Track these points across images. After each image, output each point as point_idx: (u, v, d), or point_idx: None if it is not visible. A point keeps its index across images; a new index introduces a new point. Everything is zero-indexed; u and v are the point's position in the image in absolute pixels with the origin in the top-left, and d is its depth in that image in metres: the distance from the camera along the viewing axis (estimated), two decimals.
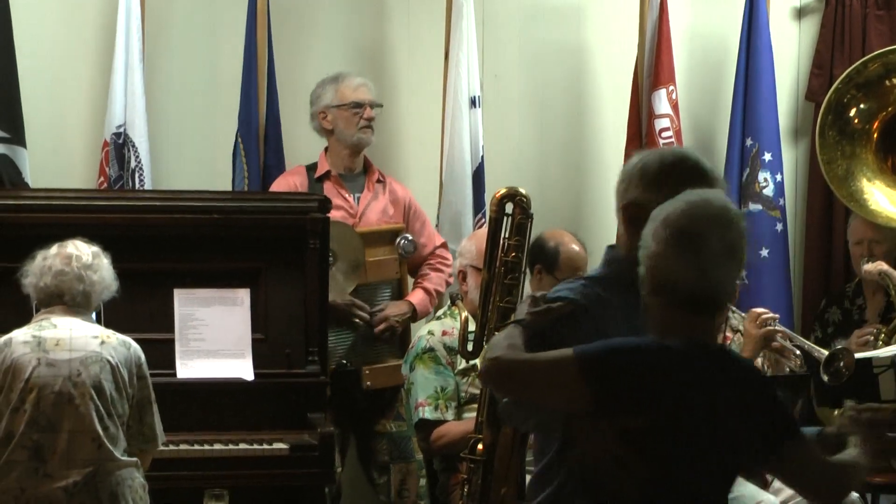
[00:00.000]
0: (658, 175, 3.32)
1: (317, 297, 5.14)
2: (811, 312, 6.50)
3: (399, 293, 5.78)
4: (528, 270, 4.55)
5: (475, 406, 4.55)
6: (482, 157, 6.15)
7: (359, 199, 5.79)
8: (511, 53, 6.61)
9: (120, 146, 5.86)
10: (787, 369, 5.40)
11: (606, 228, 6.34)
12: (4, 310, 4.81)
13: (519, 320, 3.25)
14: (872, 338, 5.83)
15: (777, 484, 5.46)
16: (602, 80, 6.70)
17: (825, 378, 5.27)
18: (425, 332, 5.19)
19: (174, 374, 4.98)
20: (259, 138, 6.02)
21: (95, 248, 4.47)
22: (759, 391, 3.17)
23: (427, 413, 5.06)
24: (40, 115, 5.97)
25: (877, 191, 6.17)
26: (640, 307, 3.20)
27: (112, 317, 4.72)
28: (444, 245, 5.91)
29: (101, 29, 6.06)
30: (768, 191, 6.48)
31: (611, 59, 6.68)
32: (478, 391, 4.79)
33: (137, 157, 5.86)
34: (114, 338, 4.39)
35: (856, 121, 6.21)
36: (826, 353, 5.31)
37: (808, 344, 5.45)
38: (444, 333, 5.16)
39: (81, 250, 4.44)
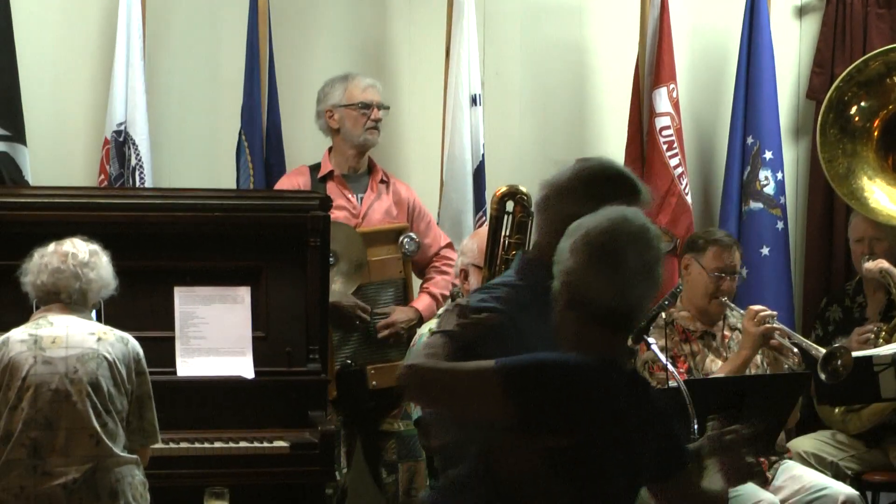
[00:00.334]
0: (599, 187, 3.28)
1: (318, 295, 5.14)
2: (812, 311, 6.50)
3: (403, 293, 5.77)
4: None
5: None
6: (483, 155, 6.15)
7: (362, 199, 5.79)
8: (512, 51, 6.61)
9: (121, 144, 5.85)
10: (786, 367, 5.40)
11: None
12: (5, 308, 4.81)
13: (446, 331, 3.17)
14: (873, 336, 5.83)
15: (777, 481, 5.47)
16: (603, 79, 6.70)
17: (823, 376, 5.26)
18: (426, 331, 5.19)
19: (175, 372, 4.98)
20: (263, 136, 6.01)
21: (93, 246, 4.47)
22: (663, 419, 3.16)
23: None
24: (41, 113, 5.97)
25: (877, 189, 6.17)
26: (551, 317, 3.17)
27: (113, 314, 4.72)
28: (449, 245, 5.88)
29: (101, 27, 6.06)
30: (769, 189, 6.48)
31: (611, 57, 6.67)
32: None
33: (138, 155, 5.86)
34: (111, 334, 4.39)
35: (857, 119, 6.21)
36: (824, 351, 5.31)
37: (805, 342, 5.45)
38: None
39: (79, 248, 4.44)
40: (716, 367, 5.47)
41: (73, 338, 4.34)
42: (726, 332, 5.59)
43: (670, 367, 4.43)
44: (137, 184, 5.83)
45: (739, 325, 5.47)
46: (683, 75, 6.56)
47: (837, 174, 6.20)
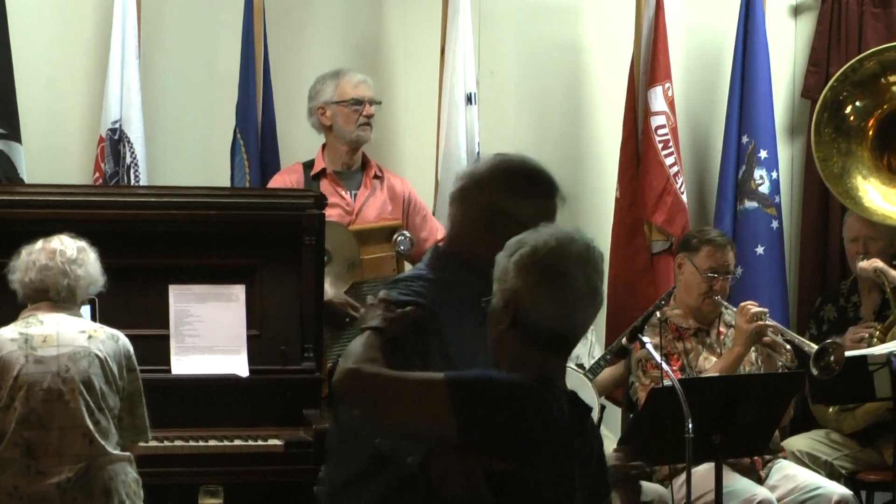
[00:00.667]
0: (522, 182, 3.23)
1: (312, 293, 5.14)
2: (806, 310, 6.50)
3: None
4: None
5: None
6: (478, 154, 6.14)
7: (356, 195, 5.78)
8: (507, 50, 6.61)
9: (115, 142, 5.85)
10: (779, 363, 5.41)
11: (603, 224, 6.35)
12: (2, 306, 4.81)
13: (375, 326, 3.07)
14: (868, 335, 5.83)
15: (771, 480, 5.47)
16: (598, 77, 6.70)
17: (815, 372, 5.27)
18: None
19: (169, 371, 4.98)
20: (258, 134, 6.01)
21: (81, 243, 4.47)
22: (597, 445, 3.10)
23: None
24: (36, 110, 5.96)
25: (872, 188, 6.18)
26: (469, 312, 3.12)
27: (107, 313, 4.72)
28: None
29: (96, 24, 6.06)
30: (764, 188, 6.48)
31: (607, 56, 6.67)
32: None
33: (133, 152, 5.86)
34: (101, 332, 4.39)
35: (851, 118, 6.22)
36: (816, 347, 5.31)
37: (798, 338, 5.46)
38: None
39: (66, 245, 4.43)
40: (709, 364, 5.48)
41: (64, 336, 4.33)
42: (721, 329, 5.60)
43: (664, 365, 4.43)
44: (132, 182, 5.83)
45: (733, 323, 5.47)
46: (679, 74, 6.56)
47: (832, 173, 6.20)
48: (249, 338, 5.08)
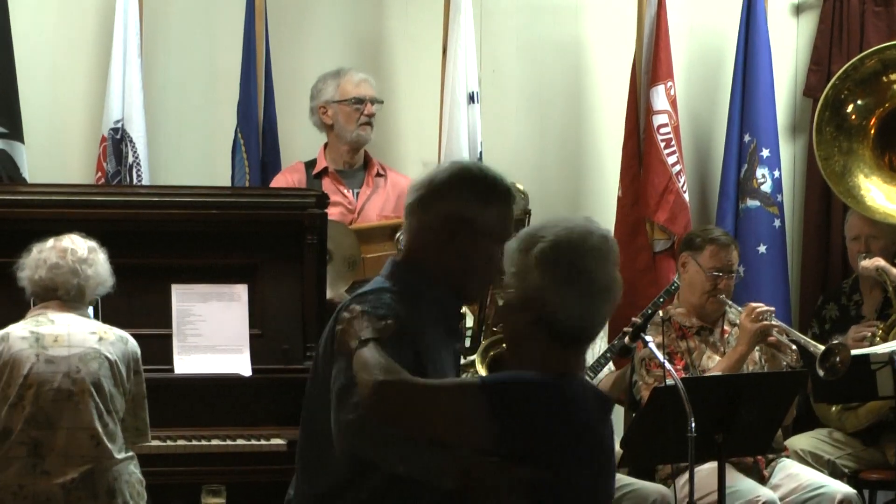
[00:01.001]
0: (483, 189, 3.17)
1: (314, 292, 5.13)
2: (808, 308, 6.50)
3: None
4: None
5: None
6: (480, 152, 6.15)
7: (358, 194, 5.79)
8: (509, 49, 6.61)
9: (117, 141, 5.85)
10: (784, 363, 5.40)
11: (605, 223, 6.31)
12: (2, 305, 4.81)
13: (374, 337, 2.99)
14: (870, 334, 5.83)
15: (774, 479, 5.47)
16: (600, 76, 6.70)
17: (821, 373, 5.26)
18: None
19: (172, 370, 4.98)
20: (259, 134, 6.01)
21: (92, 243, 4.46)
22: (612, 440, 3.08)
23: None
24: (38, 110, 5.96)
25: (874, 187, 6.18)
26: (433, 325, 3.09)
27: (110, 312, 4.72)
28: None
29: (98, 24, 6.06)
30: (766, 187, 6.48)
31: (609, 54, 6.67)
32: None
33: (135, 152, 5.86)
34: (111, 333, 4.39)
35: (853, 117, 6.21)
36: (822, 348, 5.31)
37: (803, 339, 5.45)
38: None
39: (77, 244, 4.43)
40: (713, 363, 5.47)
41: (75, 337, 4.33)
42: (725, 328, 5.59)
43: (667, 364, 4.43)
44: (134, 181, 5.83)
45: (738, 322, 5.47)
46: (681, 73, 6.56)
47: (834, 172, 6.20)
48: (252, 337, 5.08)
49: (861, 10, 6.67)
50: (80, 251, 4.41)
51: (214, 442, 4.90)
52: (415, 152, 6.45)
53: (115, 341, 4.36)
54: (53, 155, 6.03)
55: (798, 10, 6.91)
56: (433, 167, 3.25)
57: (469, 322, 4.62)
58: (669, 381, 4.40)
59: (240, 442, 4.92)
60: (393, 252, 5.67)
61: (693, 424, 4.30)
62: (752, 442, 4.95)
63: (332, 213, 5.42)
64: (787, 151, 6.78)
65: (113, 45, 5.87)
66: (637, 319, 4.70)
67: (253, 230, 5.17)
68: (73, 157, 6.07)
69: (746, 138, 6.51)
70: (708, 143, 6.80)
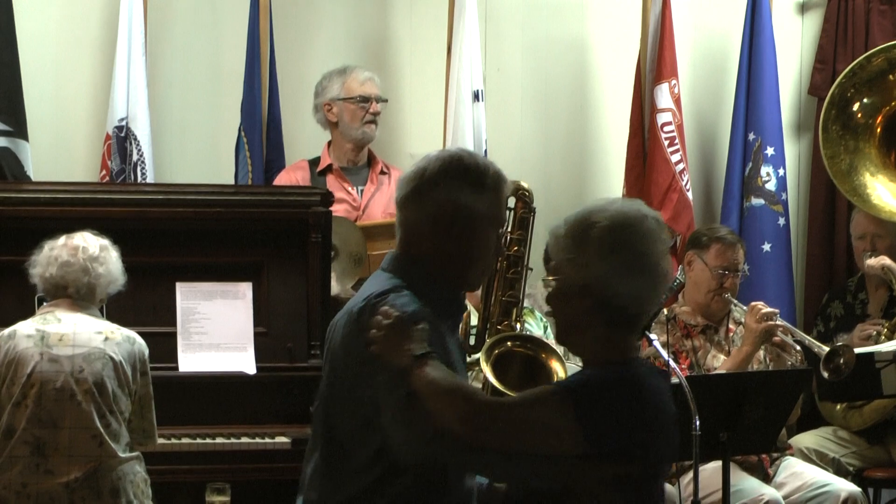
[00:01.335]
0: (476, 175, 3.17)
1: (319, 290, 5.13)
2: (813, 307, 6.50)
3: None
4: (534, 268, 4.52)
5: None
6: (485, 151, 6.14)
7: (362, 191, 5.79)
8: (513, 47, 6.61)
9: (122, 139, 5.85)
10: (789, 364, 5.40)
11: None
12: (6, 302, 4.81)
13: (428, 352, 2.99)
14: (875, 333, 5.83)
15: (779, 478, 5.47)
16: (604, 75, 6.70)
17: (825, 374, 5.27)
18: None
19: (176, 368, 4.97)
20: (262, 133, 6.01)
21: (104, 241, 4.45)
22: None
23: None
24: (43, 108, 5.96)
25: (880, 185, 6.17)
26: (439, 321, 3.08)
27: (114, 310, 4.72)
28: None
29: (103, 22, 6.06)
30: (770, 185, 6.48)
31: (613, 53, 6.67)
32: (480, 385, 4.79)
33: (139, 150, 5.86)
34: (118, 333, 4.38)
35: (859, 115, 6.21)
36: (826, 349, 5.31)
37: (808, 339, 5.45)
38: None
39: (89, 242, 4.42)
40: (717, 362, 5.47)
41: (80, 336, 4.32)
42: (731, 326, 5.59)
43: (672, 363, 4.42)
44: (139, 179, 5.83)
45: (743, 320, 5.47)
46: (685, 71, 6.56)
47: (840, 171, 6.19)
48: (256, 335, 5.08)
49: (866, 8, 6.67)
50: (92, 249, 4.40)
51: (219, 440, 4.89)
52: (420, 150, 6.40)
53: (121, 341, 4.35)
54: (58, 153, 6.03)
55: (803, 8, 6.90)
56: (422, 159, 3.24)
57: (474, 320, 4.61)
58: (674, 380, 4.39)
59: (244, 440, 4.91)
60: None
61: (697, 423, 4.30)
62: (756, 440, 4.94)
63: (337, 210, 5.42)
64: (792, 150, 6.78)
65: (117, 43, 5.88)
66: None
67: (257, 228, 5.17)
68: (78, 155, 6.07)
69: (751, 137, 6.51)
70: (713, 141, 6.79)
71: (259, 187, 5.81)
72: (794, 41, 6.88)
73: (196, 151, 6.21)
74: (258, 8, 6.00)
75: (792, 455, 5.63)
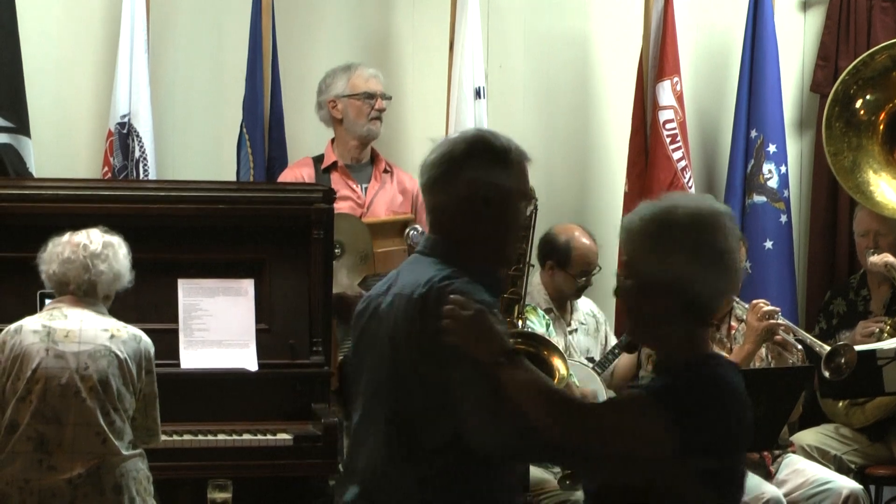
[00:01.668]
0: (504, 152, 3.24)
1: (321, 287, 5.13)
2: (815, 304, 6.50)
3: None
4: (535, 264, 4.54)
5: None
6: None
7: (366, 189, 5.78)
8: (516, 44, 6.61)
9: (124, 136, 5.85)
10: (791, 362, 5.40)
11: (612, 219, 6.34)
12: (8, 299, 4.81)
13: (514, 349, 3.04)
14: (878, 330, 5.83)
15: (781, 475, 5.47)
16: (607, 72, 6.69)
17: (826, 374, 5.28)
18: None
19: (178, 365, 4.97)
20: (265, 130, 6.01)
21: (109, 238, 4.43)
22: None
23: None
24: (45, 104, 5.96)
25: (883, 182, 6.17)
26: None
27: (116, 306, 4.71)
28: None
29: (105, 19, 6.06)
30: (773, 182, 6.47)
31: (615, 50, 6.67)
32: None
33: (142, 147, 5.86)
34: (124, 331, 4.37)
35: (862, 112, 6.20)
36: (828, 348, 5.32)
37: (809, 338, 5.46)
38: None
39: (92, 238, 4.40)
40: None
41: (86, 333, 4.32)
42: (733, 324, 5.59)
43: None
44: (141, 176, 5.83)
45: (745, 318, 5.47)
46: (687, 68, 6.55)
47: (843, 168, 6.19)
48: (258, 332, 5.08)
49: (868, 5, 6.67)
50: (94, 246, 4.38)
51: (220, 437, 4.90)
52: (422, 147, 6.35)
53: (127, 339, 4.35)
54: (60, 149, 6.03)
55: (805, 5, 6.90)
56: (442, 142, 3.29)
57: None
58: None
59: (246, 437, 4.91)
60: (402, 247, 5.67)
61: None
62: (758, 438, 4.92)
63: (342, 207, 5.41)
64: (794, 147, 6.78)
65: (120, 40, 5.87)
66: None
67: (260, 225, 5.17)
68: (80, 151, 6.07)
69: (753, 134, 6.51)
70: (715, 138, 6.79)
71: (261, 184, 5.81)
72: (797, 38, 6.88)
73: (198, 148, 6.21)
74: (260, 5, 6.00)
75: (794, 452, 5.63)
